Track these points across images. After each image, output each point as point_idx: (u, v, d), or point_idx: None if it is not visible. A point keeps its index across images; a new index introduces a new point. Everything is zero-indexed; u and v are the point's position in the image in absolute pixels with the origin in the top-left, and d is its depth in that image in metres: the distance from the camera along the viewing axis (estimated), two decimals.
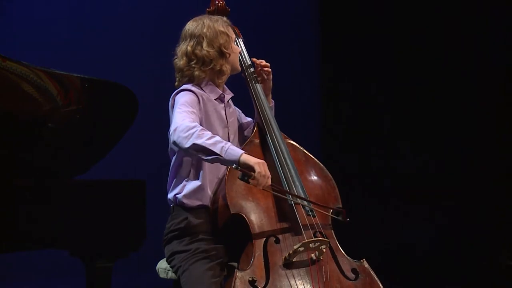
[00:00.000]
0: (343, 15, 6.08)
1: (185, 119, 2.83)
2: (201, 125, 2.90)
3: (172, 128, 2.83)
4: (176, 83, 3.10)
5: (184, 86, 3.03)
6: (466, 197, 5.45)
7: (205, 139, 2.75)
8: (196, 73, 3.04)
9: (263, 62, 3.23)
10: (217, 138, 2.78)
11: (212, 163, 2.83)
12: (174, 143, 2.82)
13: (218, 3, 3.32)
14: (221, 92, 3.11)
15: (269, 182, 2.79)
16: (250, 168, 2.74)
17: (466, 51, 5.48)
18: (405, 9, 5.73)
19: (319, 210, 2.96)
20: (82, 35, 5.26)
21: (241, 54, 3.22)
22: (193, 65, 3.04)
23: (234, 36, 3.14)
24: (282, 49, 6.08)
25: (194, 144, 2.75)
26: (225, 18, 3.15)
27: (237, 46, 3.16)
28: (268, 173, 2.78)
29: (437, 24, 5.60)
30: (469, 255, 5.36)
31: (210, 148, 2.74)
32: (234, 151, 2.77)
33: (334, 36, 6.14)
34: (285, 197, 2.92)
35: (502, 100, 5.35)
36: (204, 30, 3.04)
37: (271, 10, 6.08)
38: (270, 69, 3.24)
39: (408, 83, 5.75)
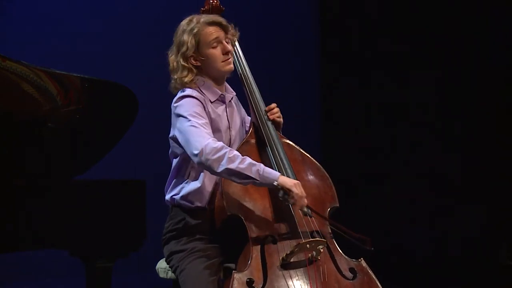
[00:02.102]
0: (343, 15, 6.08)
1: (205, 136, 2.83)
2: None
3: (195, 149, 2.80)
4: (172, 86, 3.07)
5: (186, 92, 3.00)
6: (465, 197, 5.45)
7: (238, 163, 2.78)
8: (186, 79, 3.01)
9: (275, 112, 3.16)
10: (249, 160, 2.80)
11: (246, 185, 2.86)
12: (201, 165, 2.82)
13: (212, 2, 3.29)
14: (220, 93, 3.09)
15: (306, 202, 2.84)
16: (287, 190, 2.79)
17: (466, 51, 5.48)
18: (405, 9, 5.72)
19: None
20: (82, 35, 5.25)
21: (236, 54, 3.19)
22: (183, 71, 3.01)
23: (217, 35, 3.03)
24: (282, 49, 6.08)
25: (227, 169, 2.77)
26: (210, 16, 3.08)
27: (226, 44, 3.05)
28: (304, 193, 2.83)
29: (437, 24, 5.59)
30: (469, 255, 5.36)
31: (245, 173, 2.78)
32: (270, 174, 2.80)
33: (334, 36, 6.14)
34: (323, 216, 2.95)
35: (502, 100, 5.34)
36: (183, 38, 3.00)
37: (271, 10, 6.08)
38: (279, 113, 3.18)
39: (408, 83, 5.75)
